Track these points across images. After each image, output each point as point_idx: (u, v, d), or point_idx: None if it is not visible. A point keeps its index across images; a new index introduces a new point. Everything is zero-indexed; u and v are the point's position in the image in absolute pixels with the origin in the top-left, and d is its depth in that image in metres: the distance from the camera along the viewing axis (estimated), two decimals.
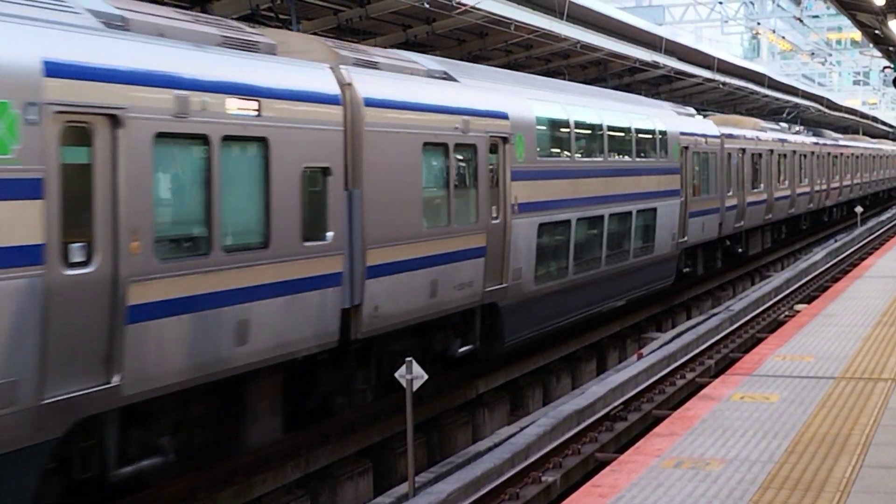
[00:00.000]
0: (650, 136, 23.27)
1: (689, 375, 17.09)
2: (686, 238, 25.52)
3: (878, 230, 44.41)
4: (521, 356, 18.38)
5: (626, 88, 37.30)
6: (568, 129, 19.20)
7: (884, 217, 53.57)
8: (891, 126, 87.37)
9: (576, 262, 19.02)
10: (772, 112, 56.10)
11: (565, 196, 18.60)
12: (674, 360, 17.99)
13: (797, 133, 43.16)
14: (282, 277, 11.38)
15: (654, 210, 22.95)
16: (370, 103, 12.98)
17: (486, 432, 16.14)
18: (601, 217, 20.16)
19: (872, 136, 75.40)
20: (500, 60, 28.37)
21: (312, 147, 11.90)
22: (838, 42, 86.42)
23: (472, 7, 21.79)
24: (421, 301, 14.02)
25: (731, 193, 29.79)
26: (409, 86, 14.19)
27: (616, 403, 14.90)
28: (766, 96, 48.94)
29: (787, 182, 37.68)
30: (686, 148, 25.38)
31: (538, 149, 17.61)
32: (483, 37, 26.08)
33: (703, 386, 13.67)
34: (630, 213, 21.58)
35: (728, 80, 41.42)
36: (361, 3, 21.49)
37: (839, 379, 11.76)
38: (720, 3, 42.08)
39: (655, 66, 33.94)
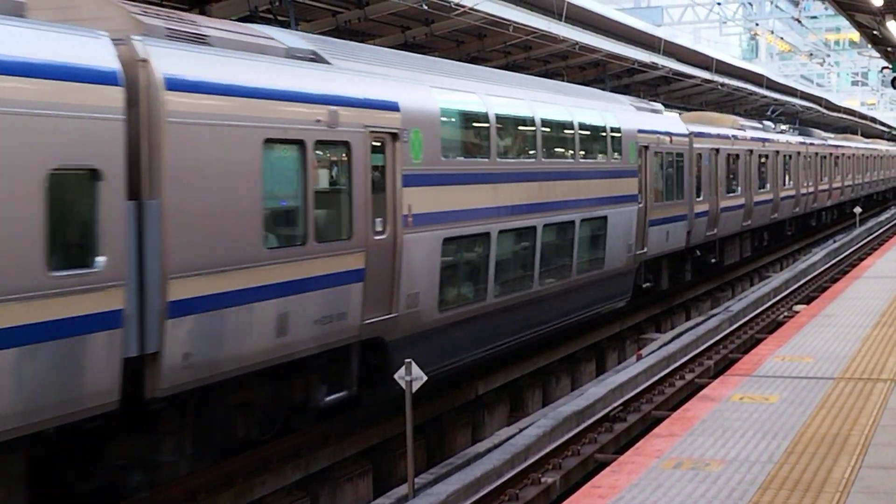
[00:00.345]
0: (599, 134, 20.35)
1: (689, 376, 17.09)
2: (646, 249, 22.55)
3: (877, 231, 44.41)
4: (520, 357, 18.39)
5: (625, 89, 37.35)
6: (487, 125, 16.16)
7: (882, 217, 53.42)
8: (889, 126, 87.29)
9: (498, 282, 16.09)
10: (771, 113, 56.12)
11: (483, 204, 15.65)
12: (673, 360, 17.99)
13: (782, 132, 40.55)
14: (9, 323, 8.35)
15: (604, 218, 20.02)
16: (176, 86, 10.01)
17: (485, 433, 16.14)
18: (533, 228, 17.18)
19: (870, 137, 74.86)
20: (499, 62, 28.39)
21: (66, 142, 8.85)
22: (837, 43, 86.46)
23: (471, 8, 21.81)
24: (263, 342, 11.03)
25: (701, 198, 27.09)
26: (247, 67, 11.18)
27: (615, 404, 14.90)
28: (765, 97, 48.95)
29: (769, 185, 35.01)
30: (646, 147, 22.64)
31: (444, 148, 14.70)
32: (482, 38, 26.10)
33: (702, 387, 13.67)
34: (572, 222, 18.60)
35: (727, 80, 41.44)
36: (360, 5, 21.51)
37: (838, 379, 11.76)
38: (718, 4, 42.13)
39: (654, 67, 33.96)
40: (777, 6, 52.13)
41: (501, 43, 26.39)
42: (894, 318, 15.99)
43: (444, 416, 15.83)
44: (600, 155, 20.30)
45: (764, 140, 34.74)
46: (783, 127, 43.64)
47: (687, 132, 26.19)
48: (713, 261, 29.19)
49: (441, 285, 14.43)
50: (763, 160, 34.35)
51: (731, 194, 30.32)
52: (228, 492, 11.55)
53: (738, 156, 31.15)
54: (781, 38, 56.72)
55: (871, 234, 42.67)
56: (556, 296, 18.28)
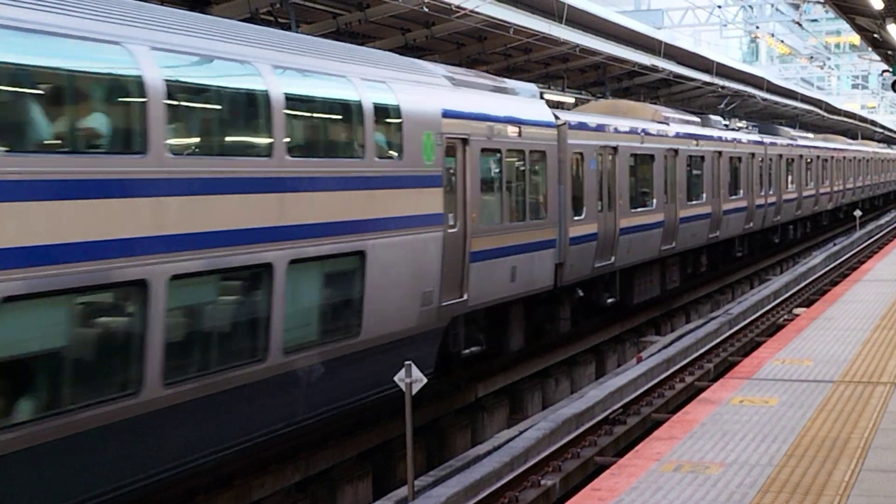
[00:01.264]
0: (342, 116, 13.03)
1: (689, 379, 17.09)
2: (465, 297, 15.13)
3: (877, 234, 44.41)
4: (520, 360, 18.39)
5: (625, 92, 37.38)
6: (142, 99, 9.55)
7: (882, 221, 53.31)
8: (890, 130, 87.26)
9: (160, 370, 9.57)
10: (771, 116, 56.16)
11: (83, 236, 8.86)
12: (673, 363, 17.98)
13: (737, 129, 34.18)
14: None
15: (358, 256, 12.53)
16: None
17: (485, 436, 16.14)
18: (185, 279, 9.88)
19: (862, 139, 74.24)
20: (500, 64, 28.40)
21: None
22: (837, 46, 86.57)
23: (472, 11, 21.81)
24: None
25: (583, 216, 19.70)
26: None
27: (615, 407, 14.90)
28: (765, 100, 48.97)
29: (706, 195, 27.63)
30: (463, 142, 15.23)
31: None
32: (482, 41, 26.11)
33: (702, 389, 13.66)
34: (266, 267, 10.88)
35: (727, 83, 41.45)
36: (361, 7, 21.53)
37: (838, 382, 11.76)
38: (719, 7, 42.15)
39: (654, 69, 33.98)
40: (777, 9, 52.14)
41: (502, 45, 26.41)
42: (894, 321, 15.99)
43: (443, 418, 15.83)
44: (351, 152, 12.95)
45: (697, 137, 27.37)
46: (740, 124, 38.05)
47: (553, 121, 18.65)
48: (610, 300, 21.73)
49: (17, 385, 8.51)
50: (696, 163, 27.11)
51: (642, 209, 23.01)
52: (227, 493, 11.56)
53: (651, 156, 23.72)
54: (782, 41, 56.76)
55: (872, 238, 42.66)
56: (251, 393, 10.84)
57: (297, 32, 20.23)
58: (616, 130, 22.00)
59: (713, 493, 8.01)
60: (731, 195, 30.14)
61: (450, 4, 21.10)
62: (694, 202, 26.59)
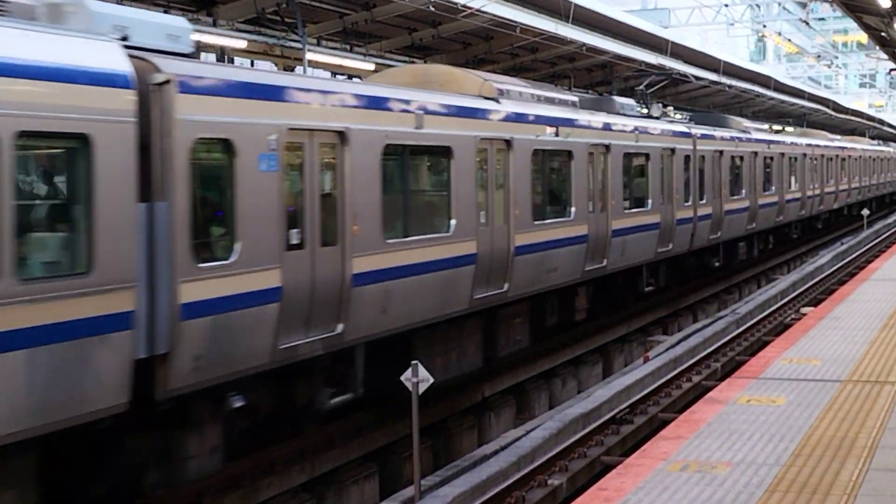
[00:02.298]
0: None
1: (696, 378, 17.07)
2: None
3: (885, 233, 44.33)
4: (526, 360, 18.37)
5: (631, 92, 37.35)
6: None
7: (890, 220, 53.04)
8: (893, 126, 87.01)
9: None
10: (778, 115, 56.09)
11: None
12: (680, 363, 17.96)
13: (646, 117, 24.12)
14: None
15: None
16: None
17: (491, 436, 16.12)
18: None
19: (881, 139, 73.42)
20: (506, 63, 28.39)
21: None
22: (844, 44, 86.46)
23: (478, 10, 21.80)
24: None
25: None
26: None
27: (622, 407, 14.88)
28: (772, 99, 48.91)
29: (575, 210, 18.05)
30: None
31: None
32: (488, 40, 26.12)
33: (709, 389, 13.65)
34: None
35: (734, 82, 41.40)
36: (367, 7, 21.53)
37: (846, 382, 11.73)
38: (726, 6, 42.06)
39: (661, 69, 33.94)
40: (785, 8, 52.09)
41: (508, 45, 26.41)
42: None
43: (450, 418, 15.81)
44: None
45: (557, 123, 17.63)
46: (662, 108, 28.05)
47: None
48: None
49: None
50: (562, 161, 18.03)
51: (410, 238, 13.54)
52: (234, 494, 11.56)
53: (428, 151, 14.54)
54: (789, 40, 56.59)
55: (879, 237, 42.58)
56: None
57: (303, 34, 20.25)
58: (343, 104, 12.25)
59: (720, 493, 7.99)
60: (627, 209, 20.70)
61: (456, 4, 21.11)
62: (549, 222, 17.26)
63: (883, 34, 29.10)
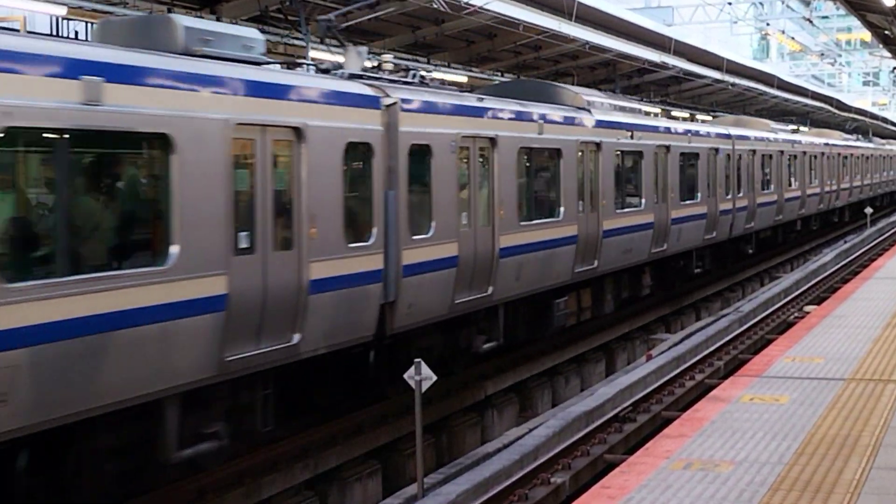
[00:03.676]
0: None
1: (699, 377, 17.05)
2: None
3: (888, 231, 44.27)
4: (529, 357, 18.37)
5: (635, 90, 37.32)
6: None
7: (894, 218, 53.00)
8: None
9: None
10: (782, 113, 56.05)
11: None
12: (683, 361, 17.95)
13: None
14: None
15: None
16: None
17: (494, 433, 16.13)
18: None
19: (883, 137, 73.31)
20: (509, 61, 28.38)
21: None
22: (848, 43, 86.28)
23: (481, 8, 21.80)
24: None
25: None
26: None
27: (625, 405, 14.87)
28: (776, 97, 48.88)
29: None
30: None
31: None
32: (492, 38, 26.10)
33: (712, 387, 13.64)
34: None
35: (737, 80, 41.37)
36: (370, 5, 21.50)
37: (849, 380, 11.72)
38: (729, 3, 42.01)
39: (664, 67, 33.93)
40: (788, 6, 52.04)
41: (511, 43, 26.39)
42: None
43: (453, 416, 15.82)
44: None
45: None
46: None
47: None
48: None
49: None
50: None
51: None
52: (237, 491, 11.57)
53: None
54: (792, 38, 56.61)
55: (882, 235, 42.53)
56: None
57: (306, 31, 20.23)
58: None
59: (723, 491, 7.99)
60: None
61: (460, 1, 21.10)
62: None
63: (886, 32, 29.08)
